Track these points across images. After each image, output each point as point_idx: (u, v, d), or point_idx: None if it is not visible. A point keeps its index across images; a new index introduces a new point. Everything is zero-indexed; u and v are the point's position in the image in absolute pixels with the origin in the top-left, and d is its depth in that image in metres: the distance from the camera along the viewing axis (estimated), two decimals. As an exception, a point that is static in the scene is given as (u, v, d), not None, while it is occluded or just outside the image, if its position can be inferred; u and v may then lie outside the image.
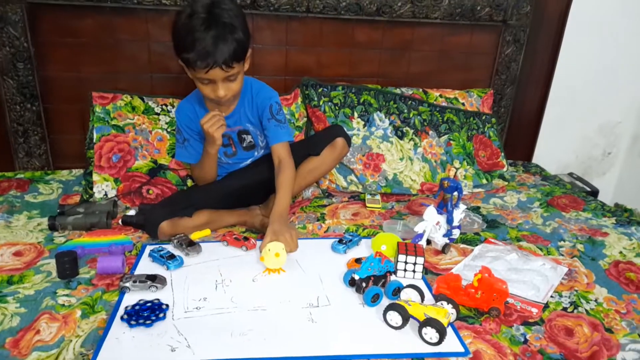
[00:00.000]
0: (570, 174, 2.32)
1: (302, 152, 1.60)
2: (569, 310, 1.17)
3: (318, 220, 1.56)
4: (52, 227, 1.43)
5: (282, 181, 1.42)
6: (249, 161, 1.61)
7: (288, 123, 1.56)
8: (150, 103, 1.74)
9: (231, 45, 1.28)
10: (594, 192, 2.14)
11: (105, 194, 1.60)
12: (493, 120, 2.03)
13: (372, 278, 1.17)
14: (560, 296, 1.22)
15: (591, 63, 2.21)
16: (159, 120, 1.72)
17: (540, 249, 1.45)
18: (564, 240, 1.50)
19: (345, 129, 1.70)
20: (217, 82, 1.34)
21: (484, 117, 2.00)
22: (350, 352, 1.00)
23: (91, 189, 1.60)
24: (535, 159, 2.33)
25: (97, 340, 0.99)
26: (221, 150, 1.54)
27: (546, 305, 1.18)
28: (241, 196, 1.55)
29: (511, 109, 2.19)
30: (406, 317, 1.06)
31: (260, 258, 1.26)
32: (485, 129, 1.99)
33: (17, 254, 1.30)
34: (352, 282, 1.21)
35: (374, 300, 1.14)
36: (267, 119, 1.49)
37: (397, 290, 1.17)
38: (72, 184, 1.76)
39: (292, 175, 1.46)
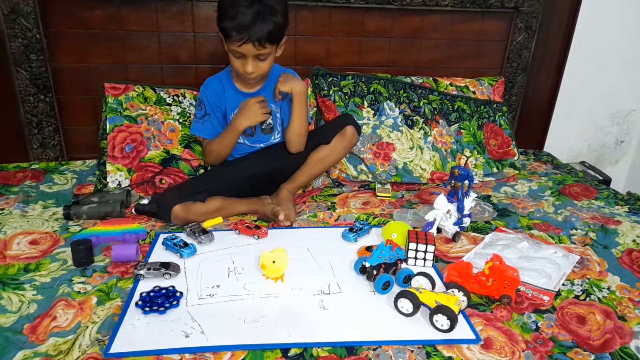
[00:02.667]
0: (582, 163, 2.30)
1: (312, 141, 1.61)
2: (581, 298, 1.17)
3: (328, 209, 1.57)
4: (67, 217, 1.46)
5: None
6: (262, 145, 1.62)
7: None
8: (162, 94, 1.75)
9: (268, 25, 1.35)
10: (607, 181, 2.12)
11: (119, 184, 1.62)
12: (504, 108, 2.02)
13: (382, 266, 1.18)
14: (572, 284, 1.22)
15: (604, 50, 2.18)
16: (171, 110, 1.73)
17: (552, 237, 1.44)
18: (576, 229, 1.50)
19: (355, 118, 1.70)
20: (247, 57, 1.39)
21: (494, 106, 1.99)
22: (362, 339, 1.00)
23: (105, 178, 1.62)
24: (547, 148, 2.31)
25: (112, 327, 1.01)
26: None
27: (558, 293, 1.18)
28: (253, 185, 1.57)
29: (522, 97, 2.17)
30: (417, 304, 1.06)
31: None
32: (496, 118, 1.98)
33: (33, 242, 1.33)
34: (362, 270, 1.21)
35: (385, 287, 1.15)
36: (289, 99, 1.55)
37: (407, 277, 1.18)
38: (86, 174, 1.78)
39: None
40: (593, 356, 0.99)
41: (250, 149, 1.61)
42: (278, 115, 1.60)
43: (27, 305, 1.08)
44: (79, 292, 1.12)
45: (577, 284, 1.22)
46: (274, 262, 1.17)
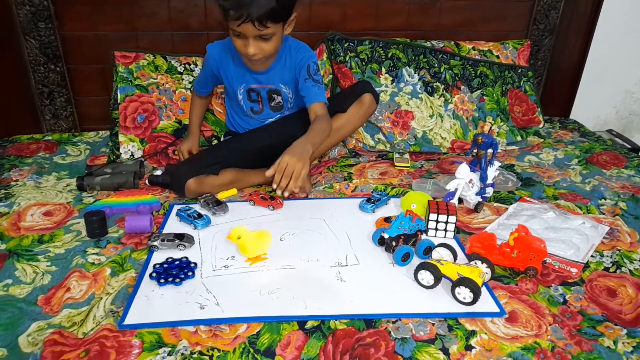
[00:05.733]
0: (610, 131, 2.21)
1: (328, 109, 1.54)
2: (611, 270, 1.12)
3: (345, 179, 1.53)
4: (81, 188, 1.44)
5: (315, 123, 1.36)
6: (274, 118, 1.57)
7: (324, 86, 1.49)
8: (173, 62, 1.70)
9: (270, 2, 1.20)
10: (635, 149, 2.03)
11: (132, 155, 1.60)
12: (529, 73, 1.92)
13: (402, 237, 1.14)
14: (602, 256, 1.16)
15: (637, 10, 2.05)
16: (182, 79, 1.69)
17: (580, 208, 1.38)
18: (605, 198, 1.43)
19: (372, 85, 1.63)
20: (248, 38, 1.27)
21: (519, 71, 1.89)
22: (381, 311, 0.97)
23: (118, 149, 1.60)
24: (573, 115, 2.22)
25: (126, 298, 1.00)
26: (248, 106, 1.51)
27: (586, 265, 1.12)
28: (267, 156, 1.51)
29: (549, 61, 2.06)
30: (438, 276, 1.02)
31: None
32: (521, 83, 1.89)
33: (47, 213, 1.32)
34: (381, 241, 1.18)
35: (404, 259, 1.11)
36: (304, 79, 1.42)
37: (428, 249, 1.14)
38: (99, 145, 1.76)
39: (328, 126, 1.39)
40: (625, 330, 0.94)
41: (260, 124, 1.56)
42: (289, 96, 1.51)
43: (41, 276, 1.07)
44: (92, 264, 1.11)
45: (607, 256, 1.17)
46: (239, 238, 1.11)
